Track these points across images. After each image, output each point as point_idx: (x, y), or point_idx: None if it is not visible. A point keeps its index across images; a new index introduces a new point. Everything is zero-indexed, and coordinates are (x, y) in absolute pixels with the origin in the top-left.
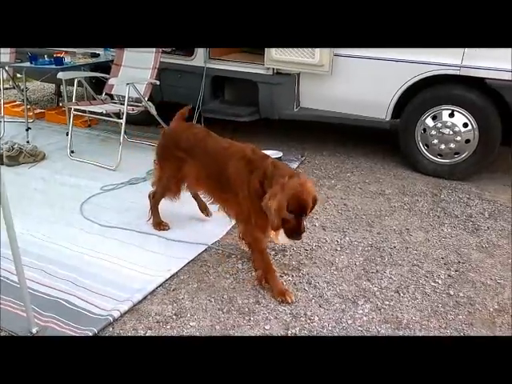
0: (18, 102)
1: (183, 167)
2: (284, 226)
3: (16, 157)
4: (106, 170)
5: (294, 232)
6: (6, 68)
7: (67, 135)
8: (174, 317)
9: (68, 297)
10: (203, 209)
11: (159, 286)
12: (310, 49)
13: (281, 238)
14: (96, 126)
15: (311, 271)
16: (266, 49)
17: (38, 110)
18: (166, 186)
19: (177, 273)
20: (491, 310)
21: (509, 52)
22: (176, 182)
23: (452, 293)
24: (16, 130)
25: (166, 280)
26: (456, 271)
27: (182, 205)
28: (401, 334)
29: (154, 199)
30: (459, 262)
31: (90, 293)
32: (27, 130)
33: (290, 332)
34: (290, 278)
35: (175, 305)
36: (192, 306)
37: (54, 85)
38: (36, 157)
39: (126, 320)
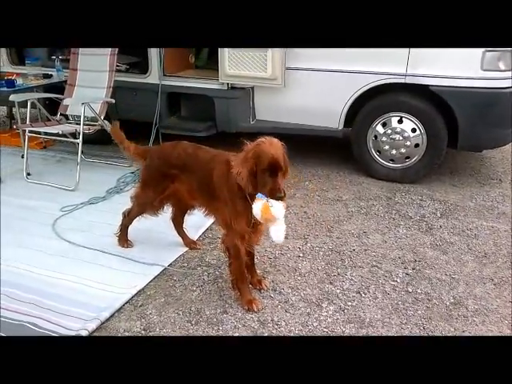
0: None
1: (173, 184)
2: (263, 189)
3: None
4: (65, 190)
5: (275, 192)
6: None
7: (22, 157)
8: (142, 332)
9: (34, 320)
10: (189, 244)
11: (126, 303)
12: (262, 63)
13: (273, 235)
14: (52, 148)
15: (276, 278)
16: (220, 64)
17: None
18: (147, 203)
19: (143, 288)
20: (448, 303)
21: (451, 59)
22: (161, 199)
23: (410, 290)
24: None
25: (133, 296)
26: (413, 269)
27: (146, 221)
28: (364, 332)
29: (128, 217)
30: (415, 261)
31: (56, 314)
32: None
33: None
34: (256, 287)
35: (143, 320)
36: (160, 320)
37: (5, 107)
38: None
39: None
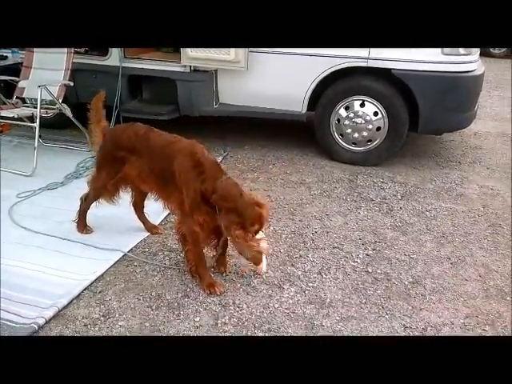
0: None
1: (124, 167)
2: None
3: None
4: (22, 176)
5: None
6: None
7: None
8: (101, 318)
9: None
10: (150, 229)
11: (85, 290)
12: None
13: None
14: (8, 132)
15: (238, 262)
16: None
17: None
18: (101, 187)
19: (102, 275)
20: (406, 283)
21: None
22: (114, 183)
23: (370, 270)
24: None
25: (92, 283)
26: (373, 250)
27: (107, 207)
28: (325, 312)
29: (86, 202)
30: (376, 242)
31: (11, 302)
32: None
33: (219, 321)
34: (217, 270)
35: (102, 306)
36: (120, 306)
37: None
38: None
39: (51, 326)
